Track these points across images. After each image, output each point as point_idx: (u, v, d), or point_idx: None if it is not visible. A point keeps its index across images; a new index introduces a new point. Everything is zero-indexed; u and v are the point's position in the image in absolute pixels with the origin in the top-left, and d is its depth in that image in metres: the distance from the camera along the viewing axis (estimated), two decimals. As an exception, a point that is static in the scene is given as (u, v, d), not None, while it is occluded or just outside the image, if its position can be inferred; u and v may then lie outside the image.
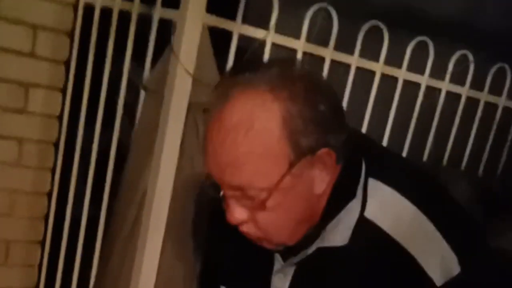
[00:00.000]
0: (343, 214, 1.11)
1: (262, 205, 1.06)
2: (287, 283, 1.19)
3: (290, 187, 1.05)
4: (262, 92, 1.02)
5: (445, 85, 2.26)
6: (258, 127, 1.01)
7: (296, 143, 1.02)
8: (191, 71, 1.92)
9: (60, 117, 2.38)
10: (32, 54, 2.23)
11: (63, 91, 2.33)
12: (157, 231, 2.01)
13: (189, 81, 1.94)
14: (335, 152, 1.07)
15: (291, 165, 1.03)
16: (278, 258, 1.20)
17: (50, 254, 2.52)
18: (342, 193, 1.11)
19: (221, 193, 1.09)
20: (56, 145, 2.41)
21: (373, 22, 2.08)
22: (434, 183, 1.19)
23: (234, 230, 1.18)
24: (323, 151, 1.05)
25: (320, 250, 1.13)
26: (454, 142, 2.33)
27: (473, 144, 2.39)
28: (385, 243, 1.08)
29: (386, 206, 1.10)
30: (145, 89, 2.10)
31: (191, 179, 2.07)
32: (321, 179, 1.08)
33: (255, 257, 1.22)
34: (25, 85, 2.27)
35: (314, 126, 1.03)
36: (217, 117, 1.04)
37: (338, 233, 1.11)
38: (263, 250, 1.18)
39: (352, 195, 1.11)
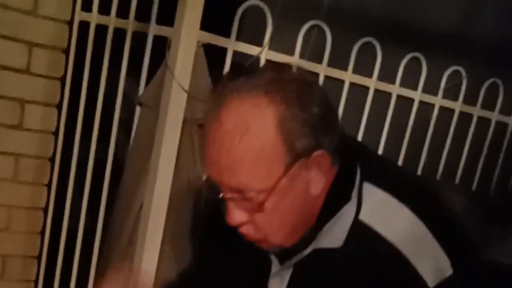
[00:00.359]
0: (338, 216, 1.13)
1: (260, 207, 1.08)
2: (284, 287, 1.20)
3: (287, 189, 1.07)
4: (257, 96, 1.04)
5: (438, 101, 2.28)
6: (253, 131, 1.03)
7: (291, 146, 1.04)
8: (186, 87, 1.93)
9: (55, 133, 2.39)
10: (28, 71, 2.24)
11: (59, 107, 2.34)
12: (154, 243, 2.02)
13: (184, 97, 1.95)
14: (329, 154, 1.09)
15: (287, 168, 1.05)
16: (275, 262, 1.21)
17: (46, 268, 2.52)
18: (337, 196, 1.13)
19: (221, 195, 1.10)
20: (52, 160, 2.42)
21: (366, 38, 2.10)
22: (427, 188, 1.22)
23: (230, 235, 1.20)
24: (318, 153, 1.07)
25: (315, 251, 1.15)
26: (448, 157, 2.34)
27: (467, 158, 2.40)
28: (379, 245, 1.09)
29: (381, 209, 1.12)
30: (141, 104, 2.12)
31: (187, 192, 2.09)
32: (316, 181, 1.10)
33: (251, 262, 1.24)
34: (21, 101, 2.27)
35: (308, 129, 1.05)
36: (214, 122, 1.06)
37: (333, 235, 1.13)
38: (259, 254, 1.21)
39: (347, 198, 1.13)
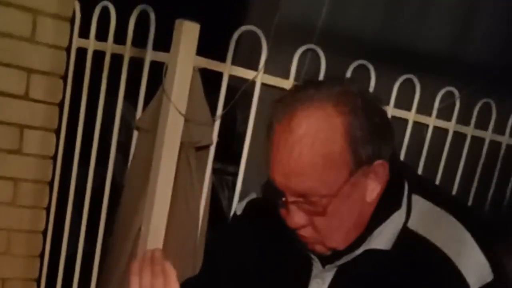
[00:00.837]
0: (388, 222, 1.18)
1: (322, 211, 1.13)
2: None
3: (348, 194, 1.13)
4: (327, 107, 1.10)
5: (432, 121, 2.30)
6: (323, 139, 1.09)
7: (356, 154, 1.10)
8: (183, 111, 1.96)
9: (54, 158, 2.41)
10: (26, 97, 2.26)
11: (57, 132, 2.36)
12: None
13: (181, 121, 1.98)
14: (388, 163, 1.15)
15: (351, 174, 1.11)
16: (316, 264, 1.24)
17: (46, 291, 2.54)
18: (388, 204, 1.19)
19: (283, 199, 1.15)
20: (50, 184, 2.44)
21: (360, 61, 2.12)
22: (463, 201, 1.28)
23: (270, 238, 1.28)
24: (378, 162, 1.13)
25: (366, 252, 1.19)
26: (442, 175, 2.37)
27: (462, 177, 2.42)
28: (427, 250, 1.15)
29: (428, 217, 1.18)
30: (138, 128, 2.14)
31: (185, 215, 2.10)
32: (372, 188, 1.16)
33: (289, 265, 1.28)
34: (20, 126, 2.29)
35: (372, 138, 1.11)
36: (284, 129, 1.12)
37: (383, 239, 1.18)
38: (300, 256, 1.25)
39: (398, 206, 1.19)
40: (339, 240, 1.18)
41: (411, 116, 2.25)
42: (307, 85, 1.16)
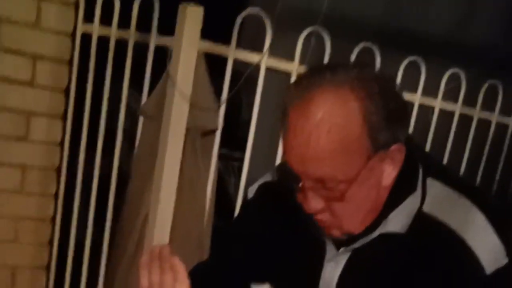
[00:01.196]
0: (403, 206, 1.18)
1: (340, 196, 1.13)
2: (338, 272, 1.23)
3: (365, 179, 1.12)
4: (344, 92, 1.09)
5: (438, 103, 2.29)
6: (341, 124, 1.08)
7: (373, 139, 1.09)
8: (188, 96, 1.96)
9: (61, 144, 2.41)
10: (32, 83, 2.28)
11: (64, 118, 2.37)
12: (158, 254, 2.03)
13: (186, 106, 1.98)
14: (404, 147, 1.14)
15: (368, 159, 1.10)
16: (330, 248, 1.25)
17: (55, 279, 2.54)
18: (403, 187, 1.18)
19: (300, 185, 1.15)
20: (58, 171, 2.45)
21: (365, 43, 2.11)
22: (478, 186, 1.28)
23: (283, 222, 1.28)
24: (395, 146, 1.12)
25: (382, 236, 1.19)
26: (449, 158, 2.35)
27: (468, 160, 2.41)
28: (443, 233, 1.15)
29: (443, 201, 1.18)
30: (143, 114, 2.14)
31: (191, 201, 2.11)
32: (389, 173, 1.16)
33: (303, 248, 1.28)
34: (27, 113, 2.31)
35: (389, 122, 1.10)
36: (301, 114, 1.10)
37: (398, 222, 1.18)
38: (314, 240, 1.25)
39: (413, 189, 1.18)
40: (356, 225, 1.18)
41: (416, 98, 2.24)
42: (323, 68, 1.15)
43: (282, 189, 1.25)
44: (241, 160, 2.18)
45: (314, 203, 1.15)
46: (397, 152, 1.14)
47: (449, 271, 1.14)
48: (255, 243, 1.37)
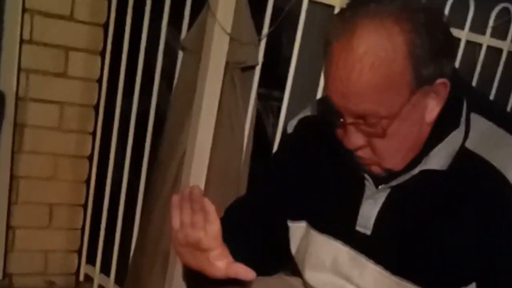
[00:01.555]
0: (446, 142, 1.16)
1: (382, 133, 1.11)
2: (377, 209, 1.22)
3: (408, 115, 1.10)
4: (388, 24, 1.05)
5: (485, 40, 2.22)
6: (384, 58, 1.05)
7: (418, 73, 1.07)
8: (228, 30, 1.92)
9: (99, 81, 2.41)
10: (71, 18, 2.26)
11: (102, 54, 2.35)
12: (197, 190, 2.03)
13: (226, 40, 1.95)
14: (449, 82, 1.11)
15: (412, 94, 1.08)
16: (369, 185, 1.23)
17: (92, 217, 2.57)
18: (446, 122, 1.16)
19: (341, 120, 1.13)
20: (96, 108, 2.44)
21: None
22: None
23: (322, 157, 1.28)
24: (440, 81, 1.10)
25: (422, 173, 1.17)
26: (495, 97, 2.27)
27: (516, 99, 2.34)
28: (484, 170, 1.12)
29: (487, 137, 1.15)
30: (183, 49, 2.11)
31: (229, 137, 2.09)
32: (432, 108, 1.13)
33: (342, 185, 1.27)
34: (65, 48, 2.30)
35: (434, 56, 1.07)
36: (344, 47, 1.07)
37: (440, 159, 1.15)
38: (353, 176, 1.23)
39: (456, 125, 1.16)
40: (397, 161, 1.16)
41: (464, 35, 2.17)
42: (368, 0, 1.10)
43: (322, 124, 1.23)
44: (280, 100, 2.15)
45: (354, 139, 1.13)
46: (442, 87, 1.11)
47: (490, 210, 1.11)
48: (293, 178, 1.36)
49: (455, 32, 2.14)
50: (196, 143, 2.02)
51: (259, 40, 2.03)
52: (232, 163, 2.12)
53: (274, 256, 1.41)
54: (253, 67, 2.07)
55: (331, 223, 1.29)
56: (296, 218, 1.36)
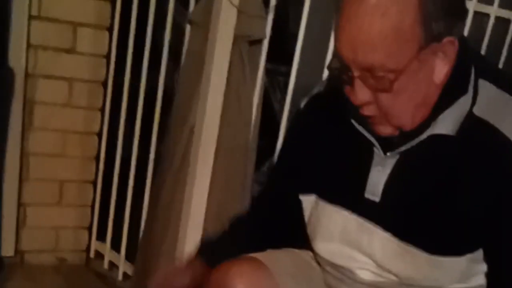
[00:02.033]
0: (454, 107, 1.16)
1: (389, 86, 1.11)
2: (386, 176, 1.23)
3: (416, 71, 1.10)
4: None
5: (493, 11, 2.20)
6: (395, 10, 1.06)
7: (427, 28, 1.07)
8: (236, 2, 1.92)
9: (107, 57, 2.41)
10: (79, -7, 2.27)
11: (110, 30, 2.36)
12: (205, 164, 2.04)
13: (234, 13, 1.94)
14: (457, 42, 1.12)
15: (420, 49, 1.08)
16: (378, 151, 1.24)
17: (102, 193, 2.59)
18: (455, 87, 1.16)
19: (349, 74, 1.13)
20: (104, 84, 2.45)
21: None
22: None
23: (333, 130, 1.29)
24: (449, 39, 1.10)
25: (430, 138, 1.17)
26: (504, 68, 2.22)
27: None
28: (492, 136, 1.13)
29: (495, 103, 1.16)
30: (191, 22, 2.12)
31: (237, 111, 2.09)
32: (440, 68, 1.13)
33: (351, 154, 1.28)
34: (73, 24, 2.31)
35: (444, 13, 1.08)
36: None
37: (448, 124, 1.16)
38: (362, 144, 1.24)
39: (464, 91, 1.16)
40: (404, 120, 1.16)
41: (472, 5, 2.12)
42: None
43: (332, 99, 1.24)
44: (287, 75, 2.15)
45: (361, 94, 1.14)
46: (450, 45, 1.11)
47: (496, 176, 1.12)
48: (304, 153, 1.38)
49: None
50: (204, 117, 2.02)
51: (267, 13, 2.03)
52: (240, 137, 2.12)
53: (299, 232, 1.42)
54: (260, 41, 2.07)
55: (340, 193, 1.30)
56: (307, 191, 1.37)
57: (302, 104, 1.42)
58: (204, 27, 2.02)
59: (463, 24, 1.17)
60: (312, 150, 1.36)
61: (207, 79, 2.00)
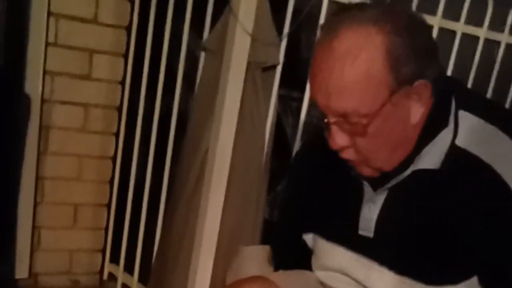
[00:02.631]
0: (436, 141, 1.19)
1: (363, 131, 1.14)
2: (377, 212, 1.26)
3: (389, 114, 1.13)
4: (368, 26, 1.11)
5: (504, 38, 2.22)
6: (364, 57, 1.10)
7: (397, 72, 1.11)
8: (250, 30, 1.95)
9: (122, 83, 2.45)
10: (95, 21, 2.31)
11: (125, 56, 2.39)
12: (219, 188, 2.06)
13: (247, 40, 1.97)
14: (430, 84, 1.14)
15: (391, 93, 1.11)
16: (367, 189, 1.27)
17: (116, 216, 2.61)
18: (435, 122, 1.19)
19: (325, 120, 1.17)
20: (119, 110, 2.48)
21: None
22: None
23: (326, 170, 1.33)
24: (420, 82, 1.13)
25: (415, 173, 1.20)
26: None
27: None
28: (476, 166, 1.15)
29: (476, 133, 1.18)
30: (205, 49, 2.15)
31: (251, 136, 2.11)
32: (416, 109, 1.16)
33: (343, 193, 1.32)
34: (90, 51, 2.35)
35: (413, 57, 1.11)
36: (326, 48, 1.13)
37: (431, 158, 1.19)
38: (351, 184, 1.28)
39: (445, 125, 1.19)
40: (384, 161, 1.20)
41: (482, 33, 2.18)
42: (351, 6, 1.17)
43: (323, 142, 1.26)
44: (300, 100, 2.18)
45: (338, 139, 1.17)
46: (423, 87, 1.14)
47: (483, 204, 1.14)
48: (301, 196, 1.43)
49: (473, 30, 2.18)
50: (218, 142, 2.05)
51: (280, 40, 2.06)
52: (254, 161, 2.15)
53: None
54: (274, 67, 2.10)
55: (336, 230, 1.35)
56: (306, 230, 1.43)
57: (299, 147, 1.46)
58: (218, 54, 2.06)
59: (436, 65, 1.16)
60: (309, 190, 1.41)
61: (221, 104, 2.03)
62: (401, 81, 1.11)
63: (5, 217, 2.39)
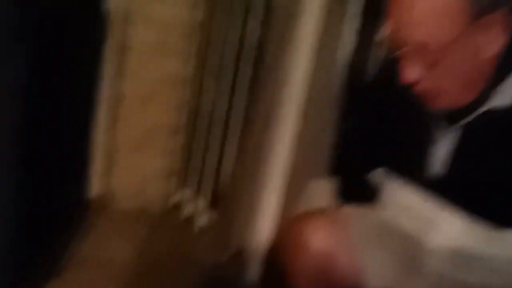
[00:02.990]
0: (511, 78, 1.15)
1: (438, 61, 1.11)
2: (449, 150, 1.22)
3: (467, 44, 1.10)
4: None
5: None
6: None
7: (477, 1, 1.07)
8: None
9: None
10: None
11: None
12: (291, 119, 2.03)
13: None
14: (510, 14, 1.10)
15: (470, 22, 1.08)
16: (438, 127, 1.23)
17: (188, 140, 2.62)
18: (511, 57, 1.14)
19: (398, 52, 1.15)
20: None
21: None
22: None
23: (390, 106, 1.31)
24: (500, 11, 1.09)
25: (490, 110, 1.16)
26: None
27: None
28: None
29: None
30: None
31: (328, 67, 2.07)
32: (494, 41, 1.12)
33: (412, 131, 1.28)
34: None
35: None
36: None
37: (508, 94, 1.15)
38: (420, 122, 1.25)
39: None
40: (457, 94, 1.16)
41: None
42: None
43: (393, 77, 1.23)
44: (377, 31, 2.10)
45: (410, 71, 1.15)
46: (503, 17, 1.10)
47: None
48: (370, 132, 1.40)
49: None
50: (294, 72, 2.01)
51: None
52: (328, 92, 2.11)
53: None
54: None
55: (403, 168, 1.31)
56: (373, 167, 1.39)
57: (369, 81, 1.48)
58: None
59: None
60: (377, 126, 1.37)
61: (299, 32, 1.98)
62: (480, 11, 1.07)
63: (83, 137, 2.43)
